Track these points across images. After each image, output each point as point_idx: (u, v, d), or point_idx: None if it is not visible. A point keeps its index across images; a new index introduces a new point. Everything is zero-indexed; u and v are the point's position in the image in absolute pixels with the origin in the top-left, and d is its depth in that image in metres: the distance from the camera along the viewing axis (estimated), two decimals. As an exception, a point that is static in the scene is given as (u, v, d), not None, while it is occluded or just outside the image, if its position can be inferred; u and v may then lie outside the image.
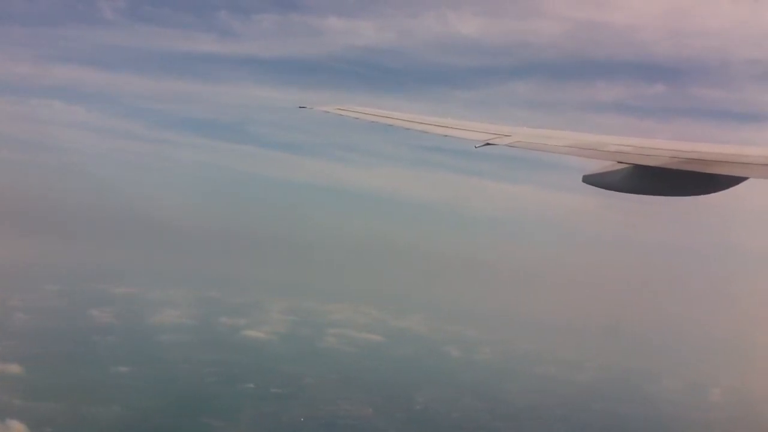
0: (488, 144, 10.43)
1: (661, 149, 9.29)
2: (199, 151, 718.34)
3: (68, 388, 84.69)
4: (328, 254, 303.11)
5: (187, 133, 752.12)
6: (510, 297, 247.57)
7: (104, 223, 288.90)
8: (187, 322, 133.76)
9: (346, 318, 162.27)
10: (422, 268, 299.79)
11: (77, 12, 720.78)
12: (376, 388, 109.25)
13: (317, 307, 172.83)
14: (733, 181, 8.61)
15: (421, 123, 12.30)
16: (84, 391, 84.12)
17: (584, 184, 9.58)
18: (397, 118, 12.98)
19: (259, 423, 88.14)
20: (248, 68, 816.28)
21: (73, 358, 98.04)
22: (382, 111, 13.63)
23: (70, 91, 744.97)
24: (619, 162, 9.25)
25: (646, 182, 9.02)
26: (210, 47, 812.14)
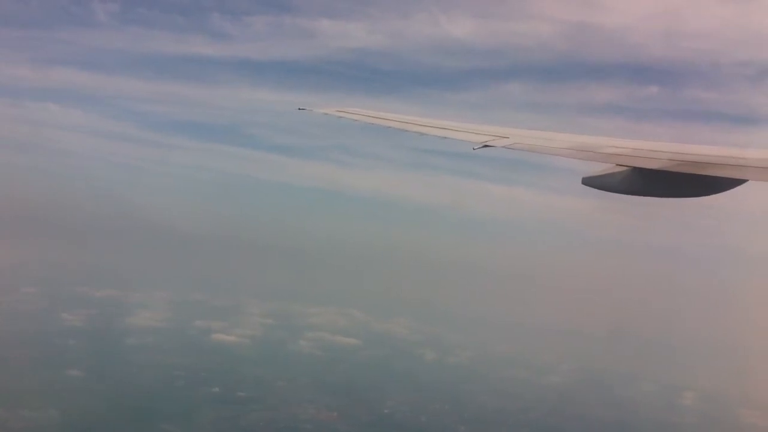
0: (486, 146, 10.45)
1: (659, 151, 9.36)
2: (193, 153, 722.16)
3: (11, 391, 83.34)
4: (321, 257, 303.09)
5: (182, 135, 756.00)
6: (502, 300, 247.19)
7: (95, 226, 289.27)
8: (161, 326, 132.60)
9: (328, 321, 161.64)
10: (416, 271, 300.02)
11: (71, 15, 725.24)
12: (345, 391, 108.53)
13: (301, 309, 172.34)
14: (731, 183, 8.66)
15: (419, 125, 12.38)
16: (27, 394, 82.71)
17: (583, 186, 9.67)
18: (396, 120, 12.96)
19: (216, 427, 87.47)
20: (241, 70, 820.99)
21: (28, 361, 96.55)
22: (381, 113, 13.64)
23: (66, 93, 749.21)
24: (618, 164, 9.34)
25: (645, 184, 9.08)
26: (203, 49, 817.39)
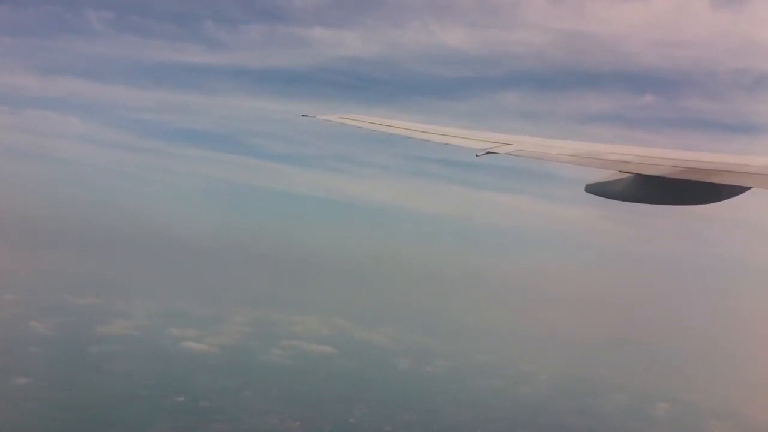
0: (489, 152, 10.37)
1: (662, 158, 9.35)
2: (188, 161, 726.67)
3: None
4: (314, 265, 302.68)
5: (177, 143, 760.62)
6: (496, 309, 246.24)
7: (89, 233, 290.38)
8: (134, 334, 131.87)
9: (309, 330, 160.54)
10: (410, 280, 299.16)
11: (67, 23, 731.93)
12: (313, 401, 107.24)
13: (285, 318, 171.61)
14: (735, 190, 8.66)
15: (422, 132, 12.38)
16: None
17: (586, 193, 9.72)
18: (398, 127, 13.00)
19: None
20: (238, 78, 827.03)
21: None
22: (384, 120, 13.53)
23: (63, 101, 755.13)
24: (620, 171, 9.33)
25: (649, 191, 9.07)
26: (199, 58, 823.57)
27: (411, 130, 12.63)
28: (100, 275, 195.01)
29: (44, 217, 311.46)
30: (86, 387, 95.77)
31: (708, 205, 8.87)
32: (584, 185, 9.78)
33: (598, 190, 9.61)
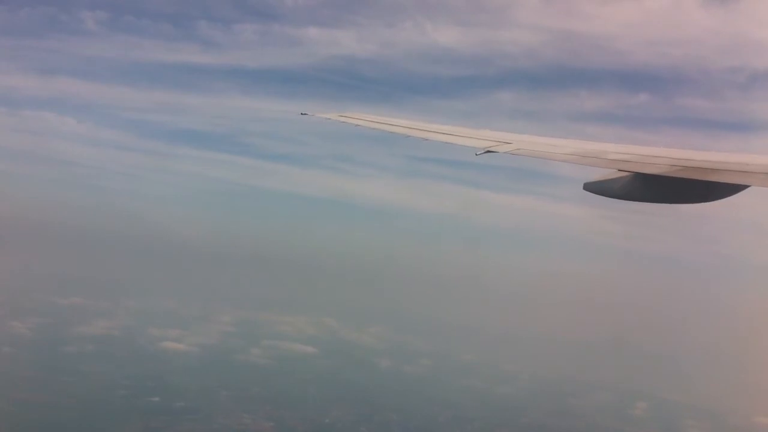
0: (489, 151, 10.36)
1: (661, 157, 9.35)
2: (186, 160, 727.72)
3: None
4: (310, 265, 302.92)
5: (174, 142, 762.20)
6: (488, 308, 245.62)
7: (86, 233, 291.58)
8: (115, 334, 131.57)
9: (295, 330, 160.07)
10: (406, 280, 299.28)
11: (62, 24, 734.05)
12: (290, 401, 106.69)
13: (273, 318, 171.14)
14: (732, 189, 8.67)
15: (421, 130, 12.37)
16: None
17: (585, 191, 9.74)
18: (398, 125, 12.98)
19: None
20: (234, 78, 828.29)
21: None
22: (383, 118, 13.53)
23: (60, 102, 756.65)
24: (619, 170, 9.33)
25: (647, 190, 9.06)
26: (195, 58, 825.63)
27: (410, 128, 12.61)
28: (93, 276, 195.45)
29: (38, 217, 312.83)
30: (59, 388, 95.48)
31: (705, 203, 8.84)
32: (582, 184, 9.76)
33: (596, 188, 9.58)
